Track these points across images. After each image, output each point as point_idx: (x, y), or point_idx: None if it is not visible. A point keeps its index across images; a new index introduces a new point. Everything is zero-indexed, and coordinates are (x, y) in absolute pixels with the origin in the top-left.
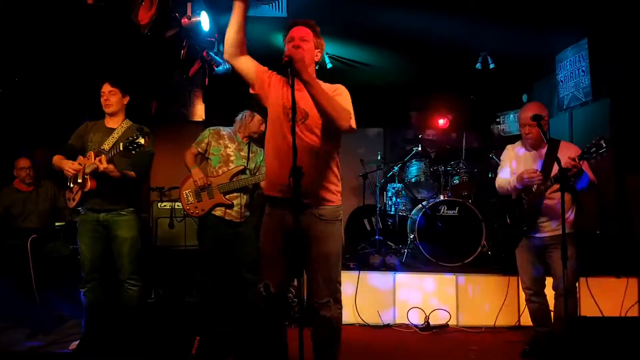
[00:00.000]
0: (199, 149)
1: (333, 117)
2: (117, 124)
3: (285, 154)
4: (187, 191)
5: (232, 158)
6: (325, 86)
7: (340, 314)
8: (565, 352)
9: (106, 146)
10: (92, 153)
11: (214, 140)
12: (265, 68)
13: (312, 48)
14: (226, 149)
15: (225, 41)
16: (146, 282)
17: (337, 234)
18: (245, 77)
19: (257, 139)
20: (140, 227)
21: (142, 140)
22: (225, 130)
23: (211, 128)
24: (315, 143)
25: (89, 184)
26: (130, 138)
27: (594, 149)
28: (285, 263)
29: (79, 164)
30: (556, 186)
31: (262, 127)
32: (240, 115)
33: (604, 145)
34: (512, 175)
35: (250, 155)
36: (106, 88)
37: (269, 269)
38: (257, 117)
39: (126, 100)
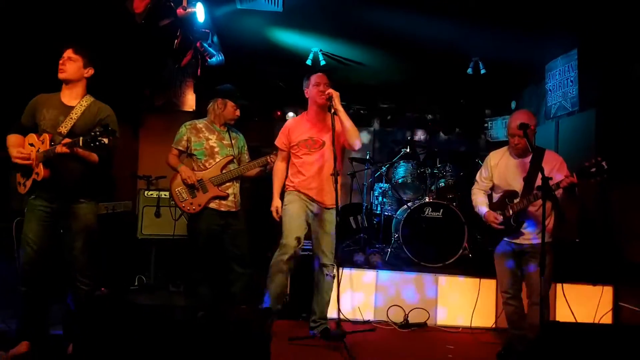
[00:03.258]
0: (180, 148)
1: (353, 137)
2: (76, 101)
3: (317, 170)
4: (178, 189)
5: (216, 149)
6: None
7: None
8: (538, 356)
9: (63, 129)
10: (47, 136)
11: (193, 136)
12: (285, 134)
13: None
14: (208, 142)
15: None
16: (130, 269)
17: None
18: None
19: (234, 125)
20: (96, 217)
21: (105, 140)
22: (200, 123)
23: (186, 124)
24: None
25: (42, 172)
26: (93, 134)
27: (594, 169)
28: (305, 226)
29: (30, 143)
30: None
31: (237, 113)
32: (211, 104)
33: (605, 167)
34: (489, 182)
35: (232, 142)
36: (67, 54)
37: (295, 226)
38: (230, 103)
39: (88, 73)
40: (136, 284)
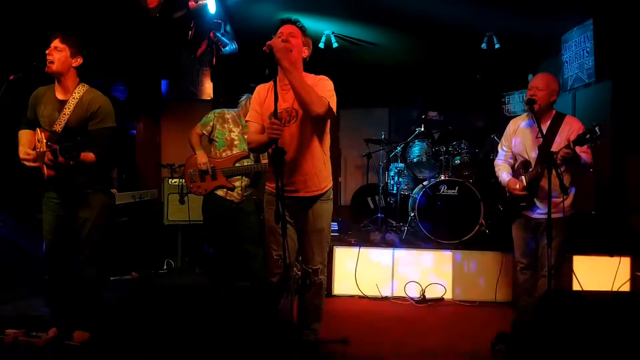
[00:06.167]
0: (204, 131)
1: (306, 103)
2: (68, 94)
3: (289, 150)
4: (191, 170)
5: (235, 142)
6: (311, 77)
7: None
8: (549, 325)
9: (57, 126)
10: (43, 136)
11: (219, 124)
12: (257, 106)
13: (300, 44)
14: (230, 133)
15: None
16: (159, 254)
17: None
18: None
19: None
20: (106, 207)
21: (75, 154)
22: (229, 113)
23: (216, 111)
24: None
25: (46, 172)
26: (66, 144)
27: (587, 135)
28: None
29: (38, 139)
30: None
31: None
32: (242, 100)
33: (598, 132)
34: (509, 151)
35: None
36: (54, 43)
37: (273, 239)
38: None
39: (77, 62)
40: (165, 267)
